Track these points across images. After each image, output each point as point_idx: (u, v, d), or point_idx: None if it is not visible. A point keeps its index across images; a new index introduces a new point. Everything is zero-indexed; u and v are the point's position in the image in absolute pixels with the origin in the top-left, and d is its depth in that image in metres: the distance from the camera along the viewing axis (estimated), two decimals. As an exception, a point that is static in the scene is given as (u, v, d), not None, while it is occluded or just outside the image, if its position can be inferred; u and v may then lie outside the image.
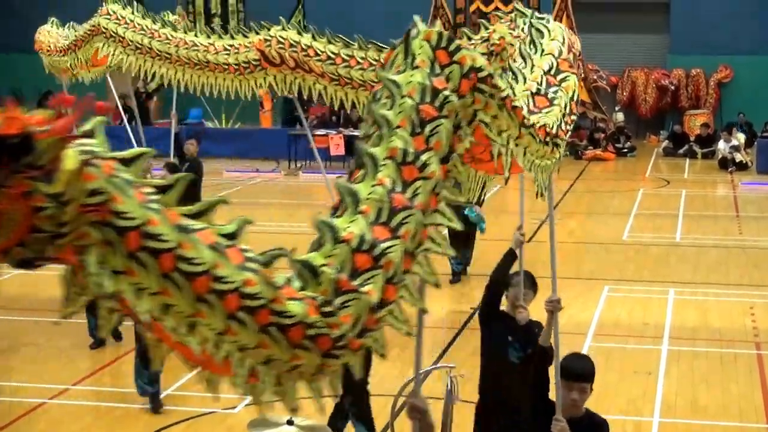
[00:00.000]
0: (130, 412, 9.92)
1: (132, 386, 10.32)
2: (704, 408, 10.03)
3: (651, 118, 31.51)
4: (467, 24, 28.80)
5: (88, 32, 12.36)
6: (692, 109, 30.63)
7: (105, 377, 10.79)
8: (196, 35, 11.23)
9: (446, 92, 3.48)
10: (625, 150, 28.63)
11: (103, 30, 11.90)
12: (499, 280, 7.27)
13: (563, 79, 4.49)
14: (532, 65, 4.47)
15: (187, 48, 11.16)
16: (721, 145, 26.72)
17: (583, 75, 6.42)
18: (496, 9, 27.16)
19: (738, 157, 26.17)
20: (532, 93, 4.32)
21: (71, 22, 13.58)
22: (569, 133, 4.58)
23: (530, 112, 4.18)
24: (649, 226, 18.87)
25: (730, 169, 25.71)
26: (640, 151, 29.02)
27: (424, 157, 3.34)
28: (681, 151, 28.35)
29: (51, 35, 13.65)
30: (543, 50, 4.58)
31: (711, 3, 30.68)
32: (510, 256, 7.24)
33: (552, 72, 4.49)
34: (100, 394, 10.43)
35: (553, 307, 6.45)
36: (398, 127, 3.37)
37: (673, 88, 30.99)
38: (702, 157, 27.95)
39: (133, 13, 11.77)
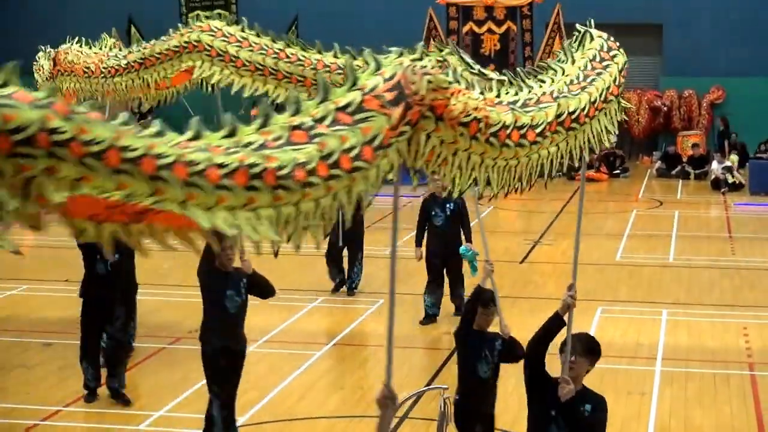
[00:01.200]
0: (121, 433, 9.88)
1: (124, 407, 10.29)
2: (698, 429, 10.01)
3: (644, 139, 31.57)
4: (460, 46, 28.82)
5: (173, 49, 11.04)
6: (685, 130, 30.70)
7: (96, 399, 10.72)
8: (335, 56, 10.34)
9: None
10: (618, 171, 28.67)
11: (207, 47, 10.65)
12: (539, 353, 6.28)
13: (363, 119, 3.75)
14: (325, 98, 3.75)
15: (329, 71, 10.23)
16: (714, 166, 26.78)
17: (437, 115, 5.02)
18: (489, 31, 27.23)
19: (731, 177, 26.23)
20: (292, 126, 3.59)
21: (110, 40, 12.57)
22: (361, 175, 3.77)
23: (260, 147, 3.43)
24: (643, 247, 18.87)
25: (723, 190, 25.76)
26: (633, 172, 29.07)
27: None
28: (674, 172, 28.40)
29: (88, 55, 12.15)
30: (353, 84, 3.86)
31: (703, 25, 30.81)
32: (555, 323, 6.18)
33: (349, 109, 3.74)
34: (91, 416, 10.37)
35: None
36: None
37: (665, 109, 31.06)
38: (695, 177, 27.99)
39: (243, 30, 10.60)
